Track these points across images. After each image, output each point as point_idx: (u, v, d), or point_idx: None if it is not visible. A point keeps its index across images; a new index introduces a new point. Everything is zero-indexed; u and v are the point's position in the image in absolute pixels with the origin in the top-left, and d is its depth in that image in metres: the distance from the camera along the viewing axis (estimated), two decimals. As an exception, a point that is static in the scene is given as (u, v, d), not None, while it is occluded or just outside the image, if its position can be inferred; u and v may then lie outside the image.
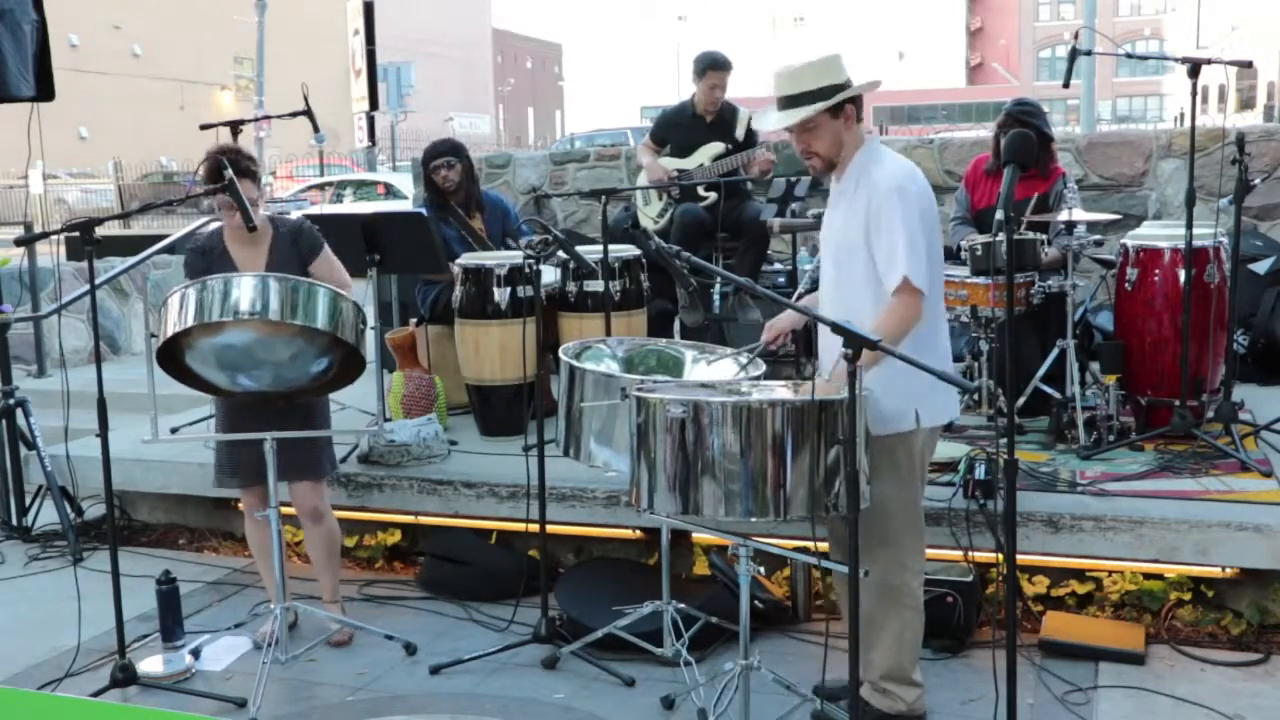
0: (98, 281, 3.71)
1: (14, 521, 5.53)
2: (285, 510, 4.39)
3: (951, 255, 5.45)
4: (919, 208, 3.17)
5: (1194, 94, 4.58)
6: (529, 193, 8.23)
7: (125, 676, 3.83)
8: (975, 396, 5.27)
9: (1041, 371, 4.93)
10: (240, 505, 5.19)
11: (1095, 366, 5.04)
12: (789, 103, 3.22)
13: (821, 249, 3.48)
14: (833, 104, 3.18)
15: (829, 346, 3.34)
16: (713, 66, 6.06)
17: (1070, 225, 4.82)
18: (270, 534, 3.97)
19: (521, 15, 76.32)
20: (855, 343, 2.66)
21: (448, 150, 5.76)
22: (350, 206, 17.48)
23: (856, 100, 3.24)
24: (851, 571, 2.74)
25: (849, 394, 2.70)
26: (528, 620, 4.21)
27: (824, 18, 71.63)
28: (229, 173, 3.71)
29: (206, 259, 4.03)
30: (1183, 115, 31.28)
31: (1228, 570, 3.97)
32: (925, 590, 3.90)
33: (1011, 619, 2.98)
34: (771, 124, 3.31)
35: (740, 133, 6.12)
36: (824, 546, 3.59)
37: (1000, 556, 3.36)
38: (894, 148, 7.45)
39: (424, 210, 5.54)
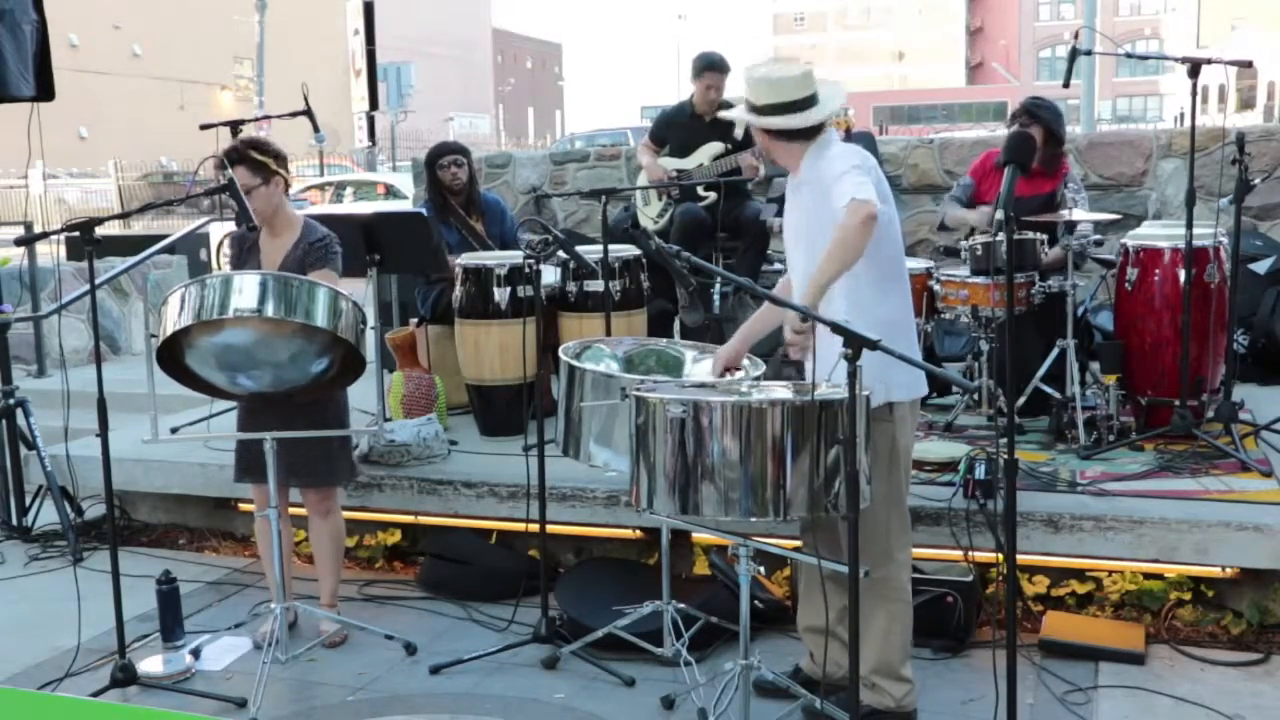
0: (98, 281, 3.71)
1: (14, 521, 5.52)
2: (296, 511, 4.41)
3: (947, 242, 5.43)
4: (868, 164, 3.26)
5: (1194, 94, 4.59)
6: (529, 193, 8.23)
7: (125, 676, 3.82)
8: (975, 396, 5.27)
9: (1041, 371, 4.93)
10: (240, 506, 5.23)
11: (1095, 366, 5.03)
12: (774, 110, 3.30)
13: (789, 244, 3.52)
14: (813, 125, 3.30)
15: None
16: (709, 68, 6.05)
17: (1071, 225, 4.82)
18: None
19: (521, 15, 76.65)
20: (855, 342, 2.66)
21: (455, 149, 5.86)
22: (350, 206, 17.46)
23: None
24: (851, 571, 2.74)
25: (849, 394, 2.70)
26: (528, 620, 4.21)
27: (824, 17, 71.65)
28: (228, 172, 3.72)
29: (241, 247, 4.12)
30: (1183, 115, 31.23)
31: (1228, 570, 3.97)
32: (925, 590, 3.91)
33: (1011, 619, 2.98)
34: (747, 119, 3.38)
35: (740, 132, 6.10)
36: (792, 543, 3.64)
37: (1000, 556, 3.35)
38: (894, 147, 7.53)
39: (424, 210, 5.54)
